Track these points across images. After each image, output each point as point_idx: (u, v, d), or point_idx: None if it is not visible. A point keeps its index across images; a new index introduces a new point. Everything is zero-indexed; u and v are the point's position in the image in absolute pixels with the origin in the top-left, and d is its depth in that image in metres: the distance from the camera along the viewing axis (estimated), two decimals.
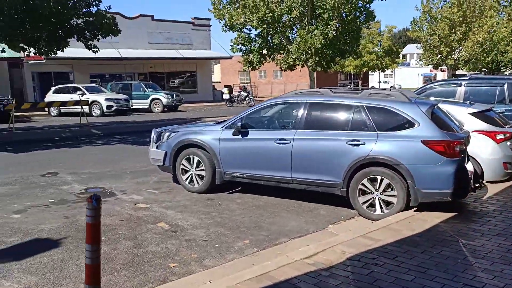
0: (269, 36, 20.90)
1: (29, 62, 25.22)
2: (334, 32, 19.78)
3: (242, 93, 31.74)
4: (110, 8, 13.89)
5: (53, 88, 23.82)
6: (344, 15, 20.23)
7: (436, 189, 5.63)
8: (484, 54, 30.17)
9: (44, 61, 24.50)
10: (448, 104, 7.90)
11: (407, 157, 5.71)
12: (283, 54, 20.86)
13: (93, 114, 22.53)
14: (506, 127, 7.65)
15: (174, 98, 25.74)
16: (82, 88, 23.09)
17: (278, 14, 19.78)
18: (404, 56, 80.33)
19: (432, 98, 10.38)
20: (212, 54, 36.44)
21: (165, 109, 25.55)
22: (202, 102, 33.79)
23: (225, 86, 39.97)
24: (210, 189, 6.93)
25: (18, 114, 21.94)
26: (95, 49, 14.29)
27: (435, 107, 6.13)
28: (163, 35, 33.46)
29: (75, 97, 22.62)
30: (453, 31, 29.73)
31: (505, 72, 35.90)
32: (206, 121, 12.70)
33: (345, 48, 20.95)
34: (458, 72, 37.66)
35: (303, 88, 47.97)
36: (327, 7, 18.77)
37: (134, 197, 6.69)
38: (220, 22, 21.22)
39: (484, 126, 7.44)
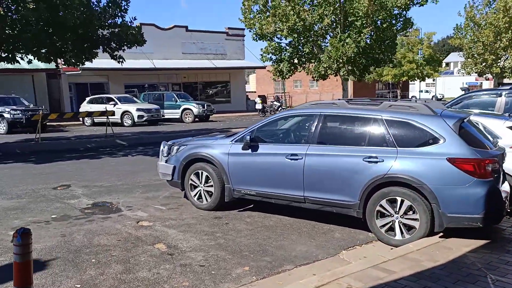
0: (300, 45, 20.41)
1: (66, 73, 25.99)
2: (367, 40, 19.04)
3: (275, 103, 31.39)
4: (135, 19, 13.95)
5: (87, 99, 24.36)
6: (378, 22, 19.47)
7: (464, 214, 4.98)
8: None
9: (80, 72, 25.17)
10: (484, 117, 7.17)
11: (431, 177, 5.10)
12: (314, 63, 20.32)
13: (125, 124, 22.81)
14: None
15: (205, 108, 25.70)
16: (115, 98, 23.46)
17: (309, 22, 19.28)
18: (447, 64, 77.57)
19: (471, 109, 9.63)
20: (245, 64, 36.35)
21: (196, 119, 25.55)
22: (235, 112, 33.67)
23: (258, 96, 39.86)
24: (219, 207, 6.54)
25: (54, 123, 22.65)
26: (121, 60, 14.35)
27: (465, 120, 5.47)
28: (196, 45, 33.71)
29: (108, 107, 23.12)
30: (498, 38, 28.16)
31: None
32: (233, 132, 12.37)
33: (380, 56, 20.13)
34: (506, 80, 35.68)
35: (339, 98, 47.15)
36: (360, 14, 18.08)
37: (139, 214, 6.39)
38: (250, 31, 20.98)
39: None
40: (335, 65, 18.98)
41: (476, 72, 30.95)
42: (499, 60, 29.26)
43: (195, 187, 6.72)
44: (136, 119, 22.51)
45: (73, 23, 10.84)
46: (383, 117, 5.57)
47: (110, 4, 12.54)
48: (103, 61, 28.53)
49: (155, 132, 19.49)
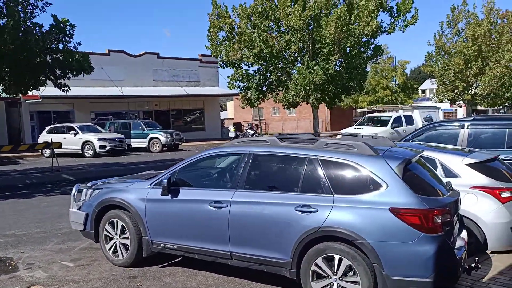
0: (268, 72, 19.83)
1: (27, 101, 24.85)
2: (336, 67, 18.57)
3: (248, 131, 30.65)
4: (79, 44, 13.01)
5: (47, 128, 23.18)
6: (347, 50, 19.08)
7: (411, 277, 4.14)
8: (503, 89, 28.36)
9: (41, 100, 24.09)
10: (441, 153, 6.46)
11: (372, 231, 4.28)
12: (282, 90, 19.71)
13: (86, 154, 21.67)
14: None
15: (174, 137, 24.77)
16: (76, 128, 22.37)
17: (277, 49, 18.76)
18: (423, 91, 78.61)
19: (431, 143, 8.93)
20: (219, 91, 35.75)
21: (165, 148, 24.57)
22: (209, 140, 32.76)
23: (234, 124, 39.16)
24: (137, 262, 5.56)
25: (9, 155, 21.35)
26: (65, 88, 13.38)
27: (412, 161, 4.69)
28: (168, 73, 33.03)
29: (68, 136, 22.01)
30: (468, 66, 28.20)
31: None
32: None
33: (350, 84, 19.66)
34: (479, 107, 35.79)
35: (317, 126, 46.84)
36: (327, 41, 17.64)
37: (37, 274, 5.35)
38: (217, 58, 20.30)
39: (485, 181, 5.93)
40: (303, 92, 18.39)
41: (448, 99, 30.87)
42: (470, 88, 29.25)
43: (110, 238, 5.74)
44: (97, 149, 21.39)
45: (7, 50, 9.92)
46: (319, 157, 4.77)
47: (53, 29, 11.67)
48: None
49: (114, 163, 18.40)
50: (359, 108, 40.46)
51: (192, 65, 34.29)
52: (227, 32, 19.73)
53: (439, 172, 6.20)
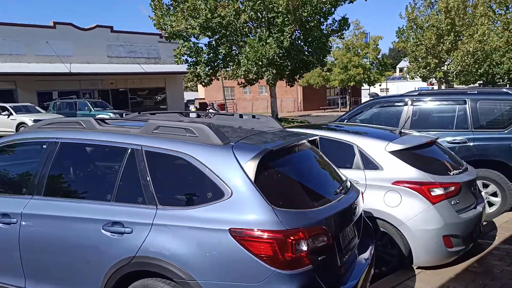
0: (219, 45, 17.93)
1: None
2: (291, 40, 16.80)
3: (210, 111, 28.78)
4: None
5: None
6: (305, 20, 17.29)
7: None
8: (476, 66, 27.12)
9: None
10: (358, 137, 4.90)
11: (204, 265, 2.73)
12: (232, 66, 17.87)
13: None
14: (453, 173, 4.58)
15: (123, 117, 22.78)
16: (9, 108, 20.23)
17: (228, 20, 16.86)
18: (401, 69, 77.39)
19: (368, 123, 7.39)
20: (181, 69, 33.60)
21: None
22: None
23: (199, 104, 37.27)
24: None
25: None
26: None
27: (279, 152, 3.07)
28: (125, 48, 30.73)
29: (1, 118, 19.94)
30: (441, 40, 26.78)
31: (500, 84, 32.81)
32: None
33: (309, 59, 17.97)
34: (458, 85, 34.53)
35: (288, 105, 45.18)
36: (280, 9, 15.83)
37: None
38: (162, 31, 18.25)
39: (412, 173, 4.40)
40: (255, 68, 16.61)
41: (420, 77, 29.53)
42: (443, 64, 27.90)
43: None
44: None
45: None
46: (143, 147, 3.13)
47: None
48: (7, 65, 25.40)
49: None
50: (331, 87, 38.96)
51: (151, 40, 31.98)
52: (172, 0, 17.72)
53: (358, 162, 4.66)
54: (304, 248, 2.61)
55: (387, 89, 64.62)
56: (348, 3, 17.79)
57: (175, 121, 3.37)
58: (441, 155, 4.96)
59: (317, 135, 3.85)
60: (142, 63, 30.95)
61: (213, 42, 18.45)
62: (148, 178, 3.01)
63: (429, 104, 6.86)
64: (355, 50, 36.48)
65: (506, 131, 6.14)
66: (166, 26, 17.92)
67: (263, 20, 17.14)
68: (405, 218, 4.26)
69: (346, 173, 4.66)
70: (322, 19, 17.94)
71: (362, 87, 49.71)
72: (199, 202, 2.82)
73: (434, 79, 29.17)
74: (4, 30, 25.84)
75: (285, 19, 16.11)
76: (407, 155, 4.53)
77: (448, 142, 6.45)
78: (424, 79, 29.58)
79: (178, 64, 19.38)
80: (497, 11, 34.99)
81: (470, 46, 25.61)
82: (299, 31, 17.52)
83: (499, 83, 36.86)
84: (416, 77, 30.13)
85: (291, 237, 2.58)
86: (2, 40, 25.75)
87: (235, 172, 2.76)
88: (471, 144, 6.32)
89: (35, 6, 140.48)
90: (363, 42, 36.24)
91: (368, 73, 37.11)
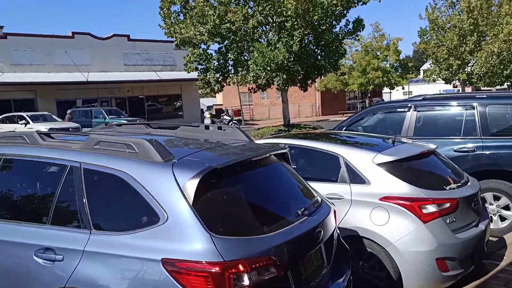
0: (229, 51, 17.63)
1: None
2: (302, 44, 16.35)
3: (225, 117, 28.60)
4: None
5: None
6: (316, 24, 16.82)
7: None
8: (502, 67, 25.95)
9: None
10: (345, 147, 4.47)
11: None
12: (242, 71, 17.52)
13: None
14: (449, 188, 4.09)
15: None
16: (26, 117, 20.53)
17: (238, 25, 16.56)
18: (425, 72, 75.47)
19: (371, 131, 6.92)
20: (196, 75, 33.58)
21: None
22: None
23: (216, 110, 37.11)
24: None
25: None
26: None
27: (227, 168, 2.66)
28: (141, 56, 30.93)
29: (18, 126, 20.23)
30: (463, 41, 25.78)
31: None
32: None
33: (320, 63, 17.47)
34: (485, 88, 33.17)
35: (306, 110, 44.53)
36: (289, 13, 15.44)
37: None
38: (174, 39, 18.04)
39: (401, 188, 3.94)
40: (264, 73, 16.24)
41: (442, 79, 28.51)
42: (466, 66, 26.86)
43: None
44: None
45: None
46: (82, 164, 2.81)
47: None
48: (28, 74, 25.85)
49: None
50: (350, 90, 38.15)
51: (167, 47, 32.05)
52: (181, 7, 17.57)
53: (343, 175, 4.24)
54: (246, 282, 2.22)
55: (410, 92, 63.14)
56: (361, 5, 17.24)
57: (118, 136, 3.04)
58: (438, 167, 4.47)
59: (287, 147, 3.43)
60: (158, 70, 31.07)
61: (223, 48, 18.18)
62: (84, 200, 2.69)
63: (434, 110, 6.34)
64: (374, 52, 35.63)
65: None
66: (176, 34, 17.77)
67: (274, 24, 16.77)
68: (393, 239, 3.80)
69: (330, 188, 4.25)
70: (334, 22, 17.42)
71: (384, 91, 48.67)
72: (133, 227, 2.48)
73: (457, 81, 28.12)
74: (25, 41, 26.39)
75: (295, 23, 15.69)
76: (397, 167, 4.07)
77: (454, 151, 5.92)
78: (447, 81, 28.53)
79: (188, 72, 19.18)
80: None
81: (494, 47, 24.54)
82: (311, 35, 17.04)
83: None
84: (438, 80, 29.10)
85: (230, 270, 2.20)
86: (22, 51, 26.29)
87: (172, 194, 2.41)
88: (480, 152, 5.77)
89: (54, 16, 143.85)
90: (382, 45, 35.36)
91: (389, 76, 36.15)
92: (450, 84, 30.83)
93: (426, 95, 6.78)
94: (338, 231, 3.37)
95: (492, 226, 5.83)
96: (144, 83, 30.38)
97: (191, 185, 2.38)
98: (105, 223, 2.62)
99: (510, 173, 5.63)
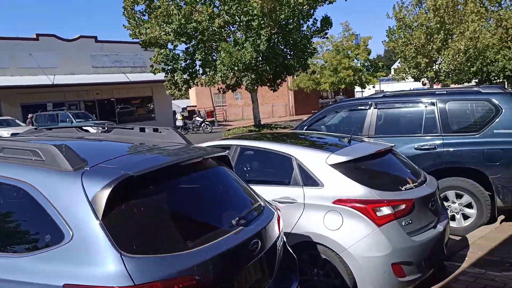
0: (195, 51, 17.26)
1: None
2: (270, 43, 16.15)
3: (197, 118, 28.16)
4: None
5: None
6: (283, 23, 16.65)
7: None
8: (469, 64, 26.43)
9: None
10: (296, 148, 4.25)
11: None
12: (210, 72, 17.19)
13: None
14: (405, 188, 3.90)
15: (105, 129, 22.15)
16: None
17: (204, 24, 16.22)
18: (395, 70, 76.62)
19: (326, 130, 6.74)
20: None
21: None
22: None
23: (188, 111, 36.57)
24: None
25: None
26: None
27: (147, 175, 2.35)
28: (109, 58, 30.15)
29: None
30: (431, 39, 26.12)
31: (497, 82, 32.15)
32: None
33: (289, 62, 17.31)
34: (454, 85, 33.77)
35: (279, 110, 44.43)
36: (255, 12, 15.21)
37: None
38: (138, 39, 17.55)
39: (355, 190, 3.73)
40: (232, 73, 15.97)
41: (411, 77, 28.85)
42: (434, 64, 27.24)
43: None
44: None
45: None
46: None
47: None
48: None
49: None
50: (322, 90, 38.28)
51: (136, 49, 31.09)
52: (145, 7, 17.11)
53: (296, 177, 4.01)
54: None
55: (382, 91, 63.93)
56: (328, 4, 17.18)
57: (26, 141, 2.71)
58: (395, 167, 4.29)
59: (226, 151, 3.17)
60: (128, 72, 30.37)
61: (190, 48, 17.81)
62: None
63: (394, 107, 6.19)
64: (345, 52, 35.84)
65: (478, 135, 5.47)
66: (141, 34, 17.29)
67: (241, 24, 16.51)
68: (347, 244, 3.59)
69: (283, 191, 4.02)
70: (301, 21, 17.29)
71: (357, 90, 49.08)
72: (36, 248, 2.17)
73: (425, 79, 28.48)
74: None
75: (261, 22, 15.47)
76: (351, 168, 3.86)
77: (416, 149, 5.80)
78: (416, 79, 28.90)
79: (154, 73, 18.71)
80: (489, 7, 34.56)
81: (461, 44, 24.95)
82: (278, 34, 16.85)
83: (494, 81, 36.22)
84: (407, 78, 29.45)
85: None
86: None
87: (80, 207, 2.11)
88: (441, 150, 5.65)
89: (18, 18, 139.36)
90: (353, 44, 35.61)
91: (360, 74, 36.46)
92: (419, 82, 31.27)
93: (386, 92, 6.63)
94: (284, 239, 3.13)
95: (455, 225, 5.75)
96: (113, 86, 29.59)
97: (101, 196, 2.09)
98: (5, 243, 2.29)
99: (472, 170, 5.53)
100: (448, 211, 5.73)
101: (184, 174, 2.55)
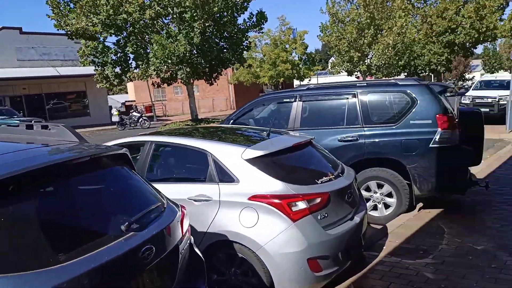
0: (127, 44, 16.57)
1: None
2: (205, 36, 15.86)
3: (133, 114, 27.21)
4: None
5: None
6: (218, 16, 16.40)
7: None
8: (397, 58, 27.67)
9: None
10: (211, 142, 4.10)
11: None
12: (142, 65, 16.60)
13: None
14: (321, 181, 3.87)
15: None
16: None
17: (137, 16, 15.56)
18: (331, 64, 78.72)
19: (252, 124, 6.66)
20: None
21: None
22: (95, 126, 29.02)
23: (127, 106, 35.35)
24: None
25: None
26: None
27: (11, 179, 2.03)
28: (37, 51, 28.32)
29: None
30: (362, 34, 27.01)
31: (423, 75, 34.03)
32: None
33: (224, 55, 17.11)
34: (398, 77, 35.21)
35: (220, 104, 44.19)
36: (188, 4, 14.84)
37: None
38: (65, 31, 16.53)
39: (269, 185, 3.65)
40: (165, 66, 15.51)
41: (345, 71, 29.73)
42: (365, 58, 28.23)
43: None
44: None
45: None
46: None
47: None
48: None
49: None
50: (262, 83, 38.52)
51: (67, 41, 29.34)
52: None
53: (212, 174, 3.86)
54: None
55: (307, 84, 65.31)
56: None
57: None
58: (313, 159, 4.27)
59: (123, 149, 2.93)
60: (57, 65, 28.70)
61: (121, 41, 17.06)
62: None
63: (318, 99, 6.21)
64: (282, 46, 36.22)
65: (396, 126, 5.61)
66: (66, 25, 16.29)
67: (174, 16, 16.05)
68: (262, 241, 3.49)
69: (199, 189, 3.86)
70: (236, 14, 17.14)
71: (296, 83, 49.86)
72: None
73: (358, 72, 29.46)
74: None
75: (194, 14, 15.12)
76: (267, 162, 3.76)
77: (339, 141, 5.85)
78: (349, 73, 29.81)
79: (84, 65, 17.77)
80: (416, 4, 36.41)
81: (389, 39, 26.01)
82: (213, 27, 16.58)
83: (421, 74, 38.27)
84: (342, 71, 30.30)
85: None
86: None
87: None
88: (363, 141, 5.74)
89: None
90: (290, 38, 36.06)
91: (298, 68, 37.02)
92: (352, 75, 32.30)
93: (311, 84, 6.65)
94: (191, 240, 2.97)
95: (377, 214, 5.89)
96: (41, 80, 27.83)
97: None
98: None
99: (391, 160, 5.67)
100: (371, 201, 5.89)
101: (66, 176, 2.28)
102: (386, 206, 5.85)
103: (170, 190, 3.98)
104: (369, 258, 4.38)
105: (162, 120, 33.73)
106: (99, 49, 16.46)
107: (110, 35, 16.42)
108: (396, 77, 34.64)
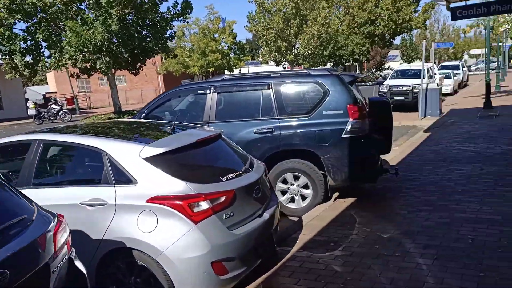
0: (37, 30, 15.28)
1: None
2: (125, 24, 15.03)
3: (52, 106, 25.41)
4: None
5: None
6: (138, 2, 15.61)
7: None
8: (322, 48, 28.37)
9: None
10: (106, 140, 3.76)
11: None
12: (54, 53, 15.45)
13: None
14: (227, 178, 3.69)
15: None
16: None
17: (48, 1, 14.35)
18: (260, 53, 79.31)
19: (167, 117, 6.35)
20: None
21: None
22: (10, 120, 26.80)
23: (48, 98, 32.98)
24: None
25: None
26: None
27: None
28: None
29: None
30: (288, 24, 27.33)
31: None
32: None
33: (147, 44, 16.41)
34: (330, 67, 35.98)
35: (149, 95, 42.71)
36: None
37: None
38: None
39: (169, 186, 3.40)
40: (81, 55, 14.53)
41: (273, 61, 30.01)
42: (292, 48, 28.65)
43: None
44: None
45: None
46: None
47: None
48: None
49: None
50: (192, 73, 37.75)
51: None
52: None
53: (107, 175, 3.52)
54: None
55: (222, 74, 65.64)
56: None
57: None
58: (220, 155, 4.07)
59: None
60: None
61: (32, 28, 15.71)
62: None
63: (233, 91, 6.02)
64: (211, 35, 35.71)
65: (309, 117, 5.58)
66: None
67: (90, 1, 15.04)
68: (162, 247, 3.24)
69: (92, 192, 3.51)
70: (158, 1, 16.45)
71: (226, 73, 49.46)
72: None
73: (286, 62, 29.84)
74: None
75: (111, 0, 14.26)
76: (168, 161, 3.50)
77: (255, 133, 5.72)
78: (277, 62, 30.12)
79: None
80: None
81: (314, 29, 26.57)
82: (133, 14, 15.77)
83: (346, 64, 39.66)
84: (270, 61, 30.53)
85: None
86: None
87: None
88: (278, 133, 5.65)
89: None
90: (219, 27, 35.62)
91: (228, 58, 36.74)
92: (279, 65, 32.66)
93: (226, 75, 6.45)
94: (73, 254, 2.65)
95: (294, 206, 5.86)
96: None
97: None
98: None
99: (306, 151, 5.64)
100: (288, 193, 5.84)
101: None
102: (303, 197, 5.84)
103: (60, 195, 3.61)
104: (281, 253, 4.30)
105: (86, 112, 31.96)
106: (5, 36, 15.00)
107: (18, 21, 15.03)
108: (321, 67, 35.59)
